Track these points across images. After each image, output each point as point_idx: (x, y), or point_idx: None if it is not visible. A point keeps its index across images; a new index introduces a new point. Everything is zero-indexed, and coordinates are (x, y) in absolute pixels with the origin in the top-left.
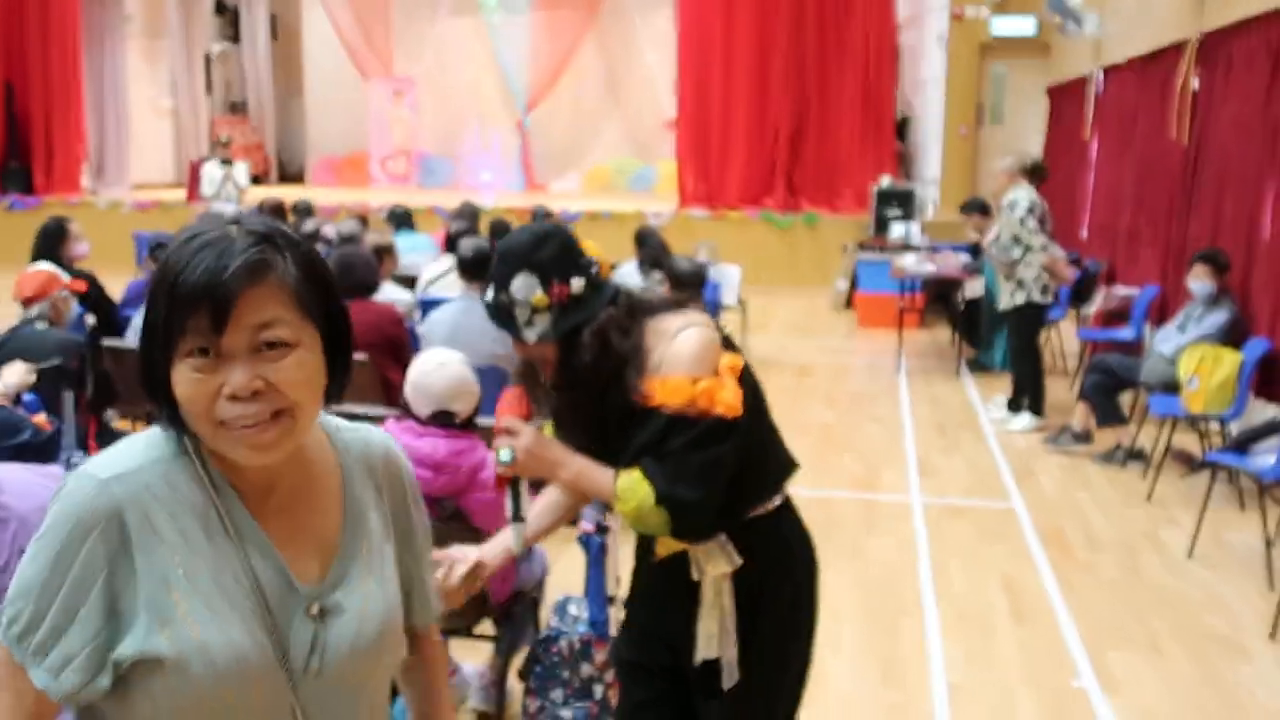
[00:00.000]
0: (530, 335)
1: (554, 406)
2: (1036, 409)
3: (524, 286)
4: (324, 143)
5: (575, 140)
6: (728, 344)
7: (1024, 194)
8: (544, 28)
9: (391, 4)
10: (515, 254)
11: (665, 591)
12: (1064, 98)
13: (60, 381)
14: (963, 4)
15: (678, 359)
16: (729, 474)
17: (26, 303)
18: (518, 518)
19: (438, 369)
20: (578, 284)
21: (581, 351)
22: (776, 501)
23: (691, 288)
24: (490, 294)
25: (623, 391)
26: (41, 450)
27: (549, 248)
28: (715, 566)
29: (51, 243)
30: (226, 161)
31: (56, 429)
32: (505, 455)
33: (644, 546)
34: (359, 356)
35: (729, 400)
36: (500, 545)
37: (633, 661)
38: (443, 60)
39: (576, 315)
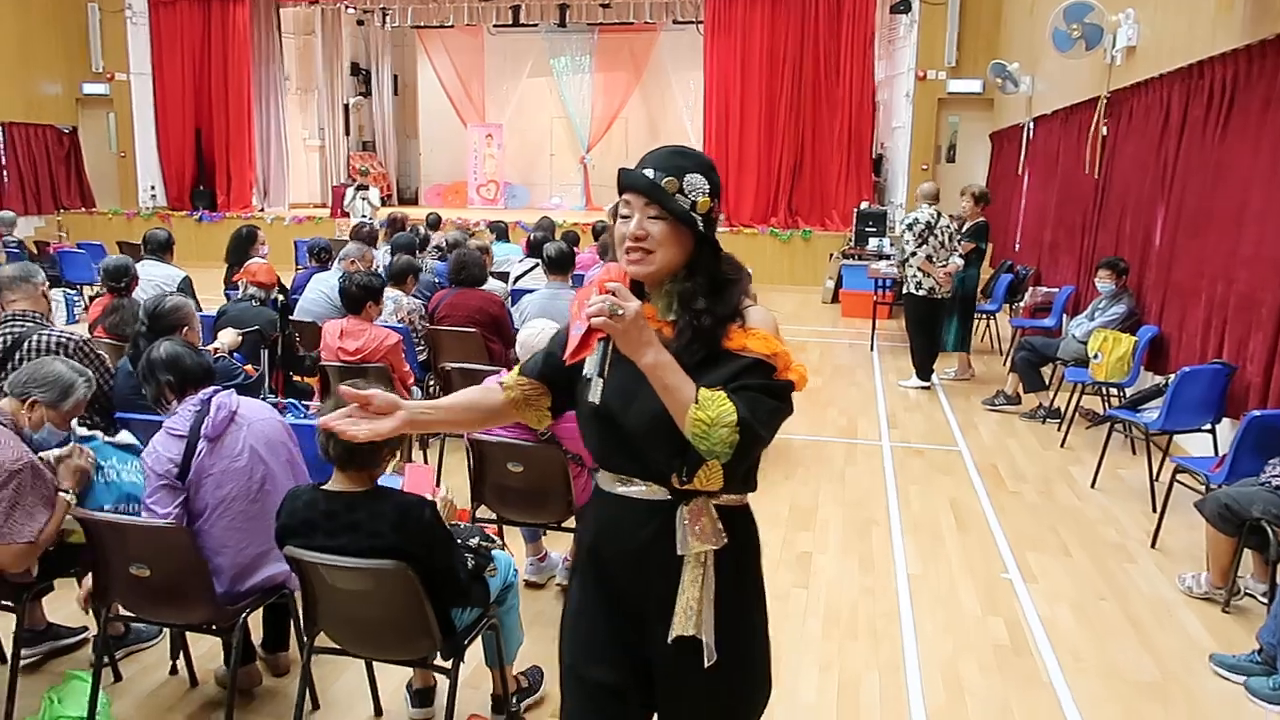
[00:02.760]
0: (697, 220)
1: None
2: (921, 373)
3: (699, 185)
4: (433, 173)
5: None
6: None
7: (913, 214)
8: (601, 85)
9: (484, 67)
10: (696, 160)
11: (642, 568)
12: (1003, 141)
13: (259, 343)
14: (925, 68)
15: (764, 322)
16: (773, 437)
17: (259, 285)
18: (601, 373)
19: (540, 332)
20: (718, 214)
21: (711, 260)
22: (749, 498)
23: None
24: (651, 172)
25: (710, 323)
26: (248, 390)
27: (716, 177)
28: (701, 542)
29: (244, 245)
30: (363, 187)
31: (260, 375)
32: (614, 308)
33: (613, 526)
34: (469, 329)
35: (802, 371)
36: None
37: (583, 676)
38: (523, 110)
39: (712, 231)
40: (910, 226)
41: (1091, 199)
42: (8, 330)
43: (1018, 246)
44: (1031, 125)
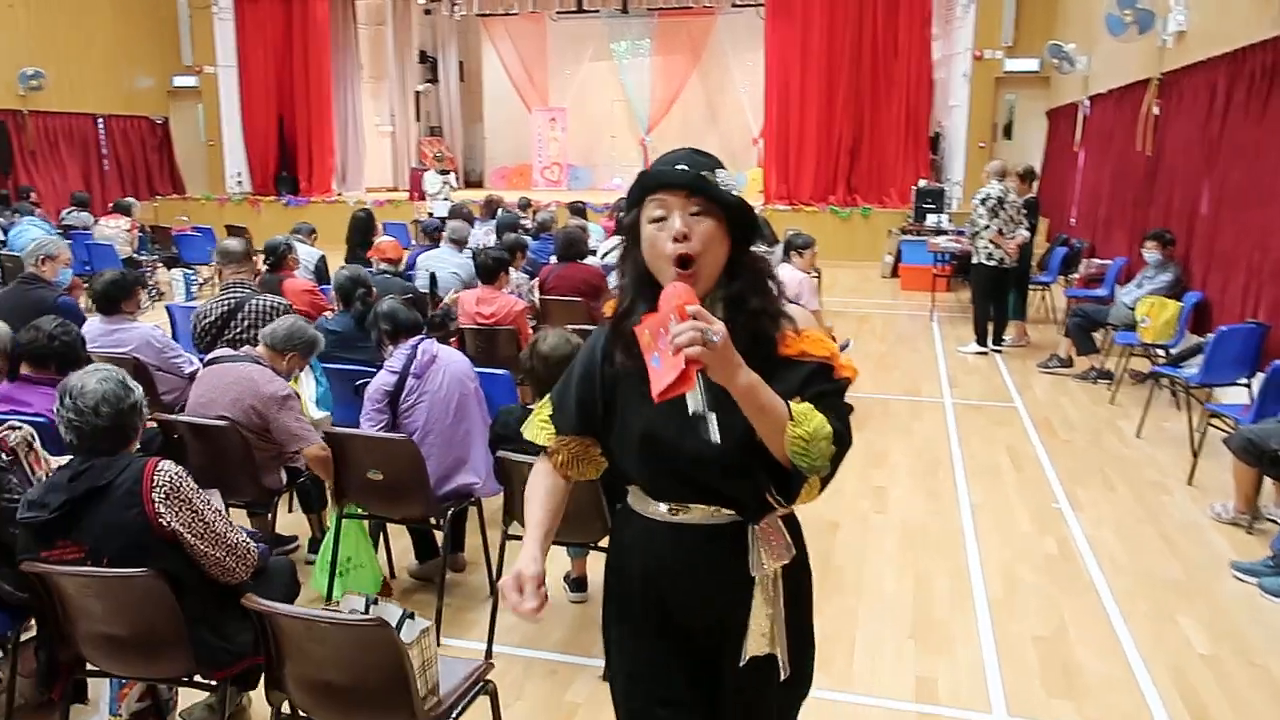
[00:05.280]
0: (752, 207)
1: None
2: (980, 339)
3: (729, 180)
4: (498, 156)
5: None
6: None
7: (985, 190)
8: (661, 68)
9: (547, 52)
10: (716, 160)
11: (708, 595)
12: (1059, 119)
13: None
14: (982, 48)
15: (809, 320)
16: None
17: (388, 260)
18: (713, 408)
19: None
20: None
21: (753, 256)
22: None
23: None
24: (684, 168)
25: (766, 324)
26: None
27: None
28: (775, 559)
29: (364, 227)
30: (444, 171)
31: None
32: (713, 337)
33: (675, 543)
34: (576, 299)
35: (853, 366)
36: (527, 557)
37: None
38: (585, 94)
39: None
40: (983, 201)
41: (1143, 175)
42: (230, 296)
43: (1073, 221)
44: (1087, 104)
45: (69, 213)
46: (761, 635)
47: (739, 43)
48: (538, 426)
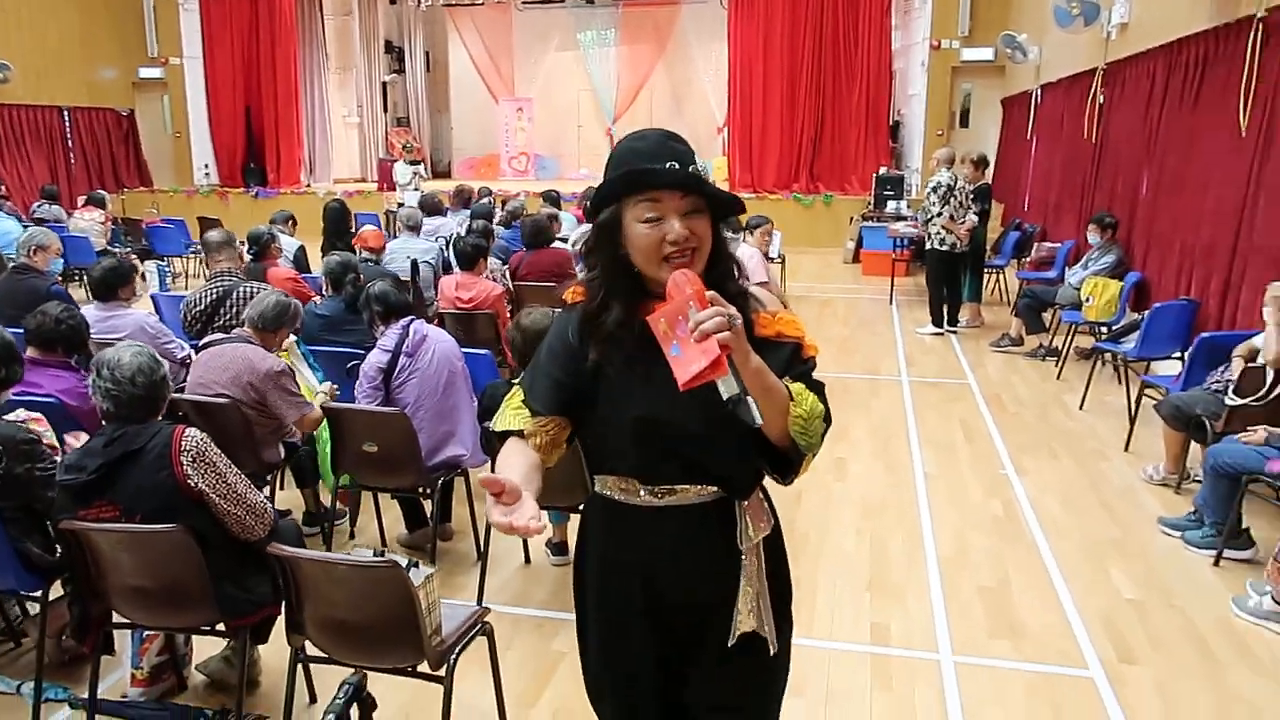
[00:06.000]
0: (739, 199)
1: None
2: (936, 321)
3: (703, 165)
4: (465, 146)
5: None
6: None
7: (936, 178)
8: (626, 58)
9: (513, 42)
10: (688, 147)
11: (693, 577)
12: (1013, 107)
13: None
14: (939, 38)
15: (774, 301)
16: None
17: (370, 250)
18: (747, 392)
19: None
20: None
21: (724, 240)
22: None
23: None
24: (675, 165)
25: (743, 305)
26: None
27: None
28: (759, 530)
29: (339, 218)
30: (414, 162)
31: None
32: (736, 321)
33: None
34: (549, 283)
35: (815, 344)
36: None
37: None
38: (551, 83)
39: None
40: (935, 189)
41: (1090, 161)
42: (218, 285)
43: (1026, 206)
44: (1039, 92)
45: (39, 206)
46: (749, 613)
47: (703, 32)
48: (511, 415)
